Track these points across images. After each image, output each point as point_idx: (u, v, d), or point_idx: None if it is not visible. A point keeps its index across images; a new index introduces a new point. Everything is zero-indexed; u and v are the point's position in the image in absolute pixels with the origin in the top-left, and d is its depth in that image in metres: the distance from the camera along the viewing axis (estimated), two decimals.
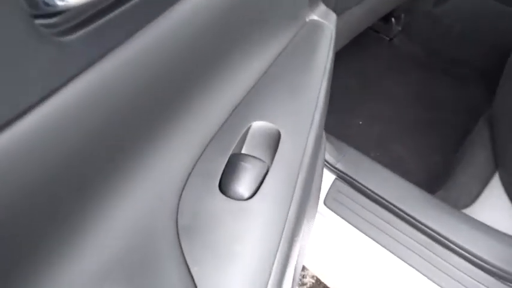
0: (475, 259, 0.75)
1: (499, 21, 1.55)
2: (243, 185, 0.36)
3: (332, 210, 0.89)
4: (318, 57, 0.48)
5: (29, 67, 0.23)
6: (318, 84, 0.44)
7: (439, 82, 1.45)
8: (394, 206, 0.83)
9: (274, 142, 0.40)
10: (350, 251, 0.88)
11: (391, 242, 0.82)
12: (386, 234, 0.83)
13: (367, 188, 0.87)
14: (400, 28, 1.63)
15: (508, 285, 0.73)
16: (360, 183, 0.88)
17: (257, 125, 0.41)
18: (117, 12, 0.26)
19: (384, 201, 0.84)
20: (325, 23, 0.55)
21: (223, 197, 0.36)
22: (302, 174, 0.38)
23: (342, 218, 0.88)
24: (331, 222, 0.90)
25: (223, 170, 0.37)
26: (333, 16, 0.58)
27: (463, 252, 0.75)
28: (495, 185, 0.86)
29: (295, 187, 0.37)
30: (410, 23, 1.63)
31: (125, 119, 0.30)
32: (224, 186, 0.37)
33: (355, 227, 0.87)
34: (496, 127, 0.93)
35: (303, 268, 1.36)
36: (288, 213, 0.35)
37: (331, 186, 0.92)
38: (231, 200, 0.36)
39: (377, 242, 0.83)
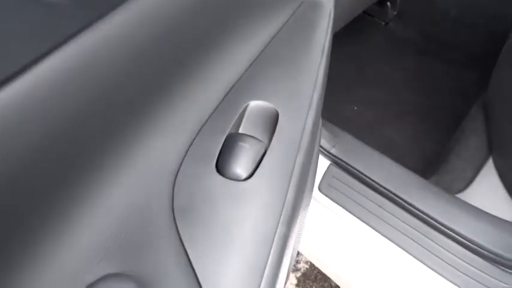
0: (467, 242, 0.76)
1: (493, 6, 1.54)
2: (240, 165, 0.36)
3: (327, 195, 0.90)
4: (316, 36, 0.47)
5: (22, 27, 0.22)
6: (316, 63, 0.43)
7: (434, 67, 1.45)
8: (388, 190, 0.83)
9: (272, 122, 0.39)
10: (344, 236, 0.88)
11: (385, 227, 0.83)
12: (381, 219, 0.84)
13: (361, 173, 0.87)
14: (395, 12, 1.61)
15: (500, 268, 0.74)
16: (354, 169, 0.88)
17: (254, 104, 0.40)
18: None
19: (378, 186, 0.84)
20: (324, 1, 0.54)
21: (220, 177, 0.35)
22: (300, 155, 0.37)
23: (337, 203, 0.88)
24: (325, 207, 0.91)
25: (220, 150, 0.36)
26: None
27: (456, 236, 0.76)
28: (489, 170, 0.86)
29: (293, 168, 0.36)
30: (405, 8, 1.61)
31: (119, 95, 0.29)
32: (221, 167, 0.36)
33: (349, 212, 0.87)
34: (490, 113, 0.93)
35: (298, 253, 1.37)
36: (286, 195, 0.35)
37: (325, 171, 0.92)
38: (228, 181, 0.35)
39: (371, 226, 0.83)
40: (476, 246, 0.75)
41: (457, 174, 0.88)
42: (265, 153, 0.37)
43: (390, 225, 0.82)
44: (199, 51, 0.36)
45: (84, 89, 0.26)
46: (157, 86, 0.33)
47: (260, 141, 0.38)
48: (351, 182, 0.89)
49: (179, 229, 0.31)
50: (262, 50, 0.43)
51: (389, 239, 0.82)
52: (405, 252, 0.80)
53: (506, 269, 0.74)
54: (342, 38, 1.34)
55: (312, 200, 0.93)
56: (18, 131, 0.23)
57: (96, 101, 0.27)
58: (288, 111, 0.39)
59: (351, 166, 0.89)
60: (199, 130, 0.37)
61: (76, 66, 0.25)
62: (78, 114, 0.26)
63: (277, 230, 0.32)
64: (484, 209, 0.81)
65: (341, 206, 0.88)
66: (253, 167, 0.36)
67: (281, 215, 0.33)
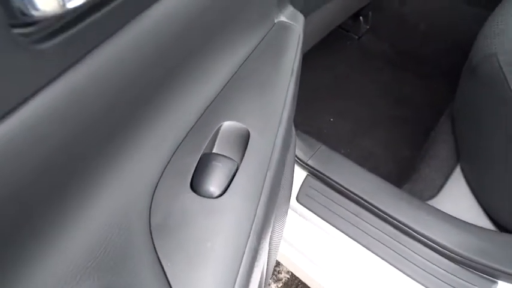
0: (438, 247, 0.80)
1: (460, 20, 1.62)
2: (214, 183, 0.38)
3: (304, 206, 0.92)
4: (286, 58, 0.50)
5: (5, 75, 0.23)
6: (285, 84, 0.46)
7: (405, 78, 1.50)
8: (363, 199, 0.86)
9: (244, 141, 0.42)
10: (323, 245, 0.91)
11: (361, 235, 0.86)
12: (357, 227, 0.87)
13: (337, 183, 0.90)
14: (368, 27, 1.68)
15: (469, 271, 0.77)
16: (330, 179, 0.91)
17: (227, 124, 0.43)
18: (88, 21, 0.27)
19: (353, 196, 0.87)
20: (293, 24, 0.57)
21: (195, 195, 0.37)
22: (271, 171, 0.40)
23: (314, 213, 0.91)
24: (304, 218, 0.93)
25: (195, 169, 0.38)
26: (301, 17, 0.61)
27: (427, 241, 0.80)
28: (457, 177, 0.90)
29: (263, 184, 0.38)
30: (377, 22, 1.68)
31: (97, 122, 0.31)
32: (195, 185, 0.38)
33: (327, 221, 0.90)
34: (456, 122, 0.98)
35: (278, 264, 1.39)
36: (257, 209, 0.37)
37: (303, 182, 0.95)
38: (202, 198, 0.37)
39: (348, 235, 0.86)
40: (446, 250, 0.79)
41: (428, 182, 0.92)
42: (237, 170, 0.40)
43: (365, 232, 0.85)
44: (176, 73, 0.38)
45: (63, 127, 0.28)
46: (134, 111, 0.35)
47: (232, 160, 0.40)
48: (328, 192, 0.92)
49: (156, 246, 0.33)
50: (236, 72, 0.46)
51: (365, 246, 0.85)
52: (380, 259, 0.83)
53: (475, 272, 0.78)
54: (317, 51, 1.38)
55: (290, 211, 0.96)
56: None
57: (77, 125, 0.29)
58: (259, 130, 0.41)
59: (327, 177, 0.92)
60: (175, 151, 0.39)
61: (57, 107, 0.27)
62: (60, 140, 0.28)
63: (248, 244, 0.35)
64: (453, 215, 0.85)
65: (318, 215, 0.91)
66: (226, 184, 0.39)
67: (251, 229, 0.35)
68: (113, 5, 0.29)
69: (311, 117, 1.39)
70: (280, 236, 0.78)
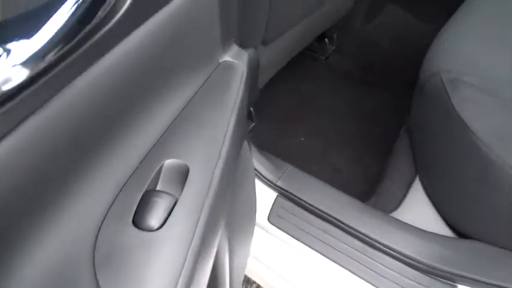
0: (403, 257, 0.84)
1: (420, 36, 1.71)
2: (153, 218, 0.42)
3: (276, 226, 0.96)
4: (228, 96, 0.54)
5: None
6: (226, 121, 0.51)
7: (372, 95, 1.57)
8: (330, 216, 0.91)
9: (184, 177, 0.46)
10: (294, 263, 0.94)
11: (330, 250, 0.89)
12: (326, 243, 0.90)
13: (306, 202, 0.94)
14: (333, 47, 1.75)
15: (432, 277, 0.82)
16: (299, 198, 0.95)
17: (169, 162, 0.47)
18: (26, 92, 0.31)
19: (321, 213, 0.92)
20: (237, 62, 0.62)
21: (136, 229, 0.41)
22: (208, 201, 0.44)
23: (286, 232, 0.95)
24: (276, 237, 0.97)
25: (137, 206, 0.43)
26: (245, 55, 0.66)
27: (391, 251, 0.84)
28: (417, 188, 0.95)
29: (200, 214, 0.43)
30: (343, 42, 1.75)
31: (44, 168, 0.35)
32: (137, 220, 0.42)
33: (298, 239, 0.93)
34: (412, 135, 1.04)
35: (251, 282, 1.41)
36: (193, 237, 0.41)
37: (274, 203, 0.99)
38: (143, 232, 0.41)
39: (317, 251, 0.90)
40: (409, 259, 0.83)
41: (390, 194, 0.97)
42: (175, 204, 0.44)
43: (334, 248, 0.89)
44: (122, 117, 0.43)
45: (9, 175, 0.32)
46: (83, 153, 0.39)
47: (172, 195, 0.44)
48: (297, 211, 0.96)
49: (98, 278, 0.37)
50: (180, 112, 0.51)
51: (335, 262, 0.89)
52: (349, 272, 0.87)
53: (437, 278, 0.82)
54: (285, 73, 1.44)
55: (262, 231, 0.99)
56: None
57: (25, 171, 0.33)
58: (198, 166, 0.46)
59: (295, 196, 0.96)
60: (121, 189, 0.43)
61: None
62: (7, 183, 0.32)
63: (183, 270, 0.39)
64: (415, 225, 0.89)
65: (289, 234, 0.94)
66: (165, 217, 0.42)
67: (187, 256, 0.39)
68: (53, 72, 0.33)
69: (282, 137, 1.44)
70: (245, 256, 0.81)
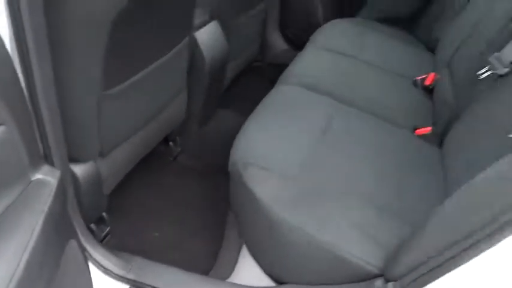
0: None
1: None
2: None
3: None
4: (30, 213, 0.66)
5: None
6: (25, 240, 0.62)
7: (217, 185, 1.81)
8: None
9: None
10: None
11: None
12: None
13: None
14: (179, 149, 1.99)
15: None
16: (149, 285, 1.08)
17: None
18: None
19: None
20: (49, 179, 0.75)
21: None
22: None
23: None
24: None
25: None
26: (58, 173, 0.78)
27: None
28: (245, 253, 1.17)
29: None
30: (186, 143, 2.01)
31: None
32: None
33: None
34: (234, 209, 1.29)
35: None
36: None
37: None
38: None
39: None
40: None
41: (226, 262, 1.17)
42: None
43: None
44: None
45: None
46: None
47: None
48: None
49: None
50: None
51: None
52: None
53: None
54: (136, 174, 1.58)
55: None
56: None
57: None
58: None
59: (147, 285, 1.08)
60: None
61: None
62: None
63: None
64: (247, 283, 1.09)
65: None
66: None
67: None
68: None
69: (136, 235, 1.54)
70: None
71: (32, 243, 0.62)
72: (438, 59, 1.82)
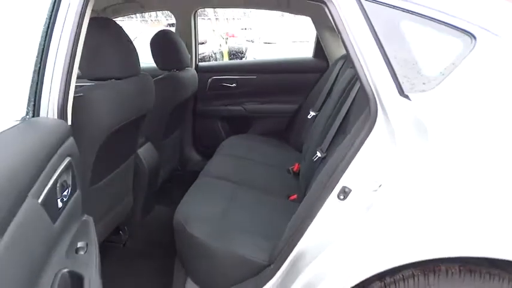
0: None
1: None
2: None
3: None
4: None
5: None
6: None
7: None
8: None
9: None
10: None
11: None
12: None
13: None
14: (127, 236, 2.58)
15: None
16: None
17: None
18: None
19: None
20: None
21: None
22: None
23: None
24: None
25: None
26: None
27: None
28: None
29: None
30: (134, 230, 2.55)
31: None
32: None
33: None
34: None
35: None
36: None
37: None
38: None
39: None
40: None
41: None
42: None
43: None
44: None
45: None
46: None
47: None
48: None
49: None
50: None
51: None
52: None
53: None
54: None
55: None
56: None
57: None
58: None
59: None
60: None
61: None
62: None
63: None
64: None
65: None
66: None
67: None
68: None
69: None
70: None
71: None
72: (302, 155, 2.83)
